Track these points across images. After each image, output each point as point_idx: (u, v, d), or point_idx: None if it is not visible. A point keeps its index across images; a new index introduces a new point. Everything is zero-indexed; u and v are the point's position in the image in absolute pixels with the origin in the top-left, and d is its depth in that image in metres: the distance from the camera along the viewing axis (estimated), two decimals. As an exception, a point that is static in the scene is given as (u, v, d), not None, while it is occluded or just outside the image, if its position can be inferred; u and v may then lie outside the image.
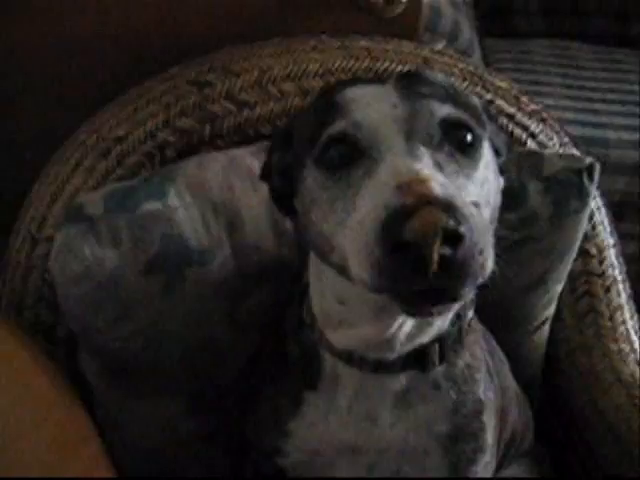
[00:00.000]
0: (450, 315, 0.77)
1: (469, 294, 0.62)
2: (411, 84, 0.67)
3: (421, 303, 0.60)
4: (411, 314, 0.64)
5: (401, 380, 0.79)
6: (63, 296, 0.90)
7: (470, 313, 0.83)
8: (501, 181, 0.74)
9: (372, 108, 0.65)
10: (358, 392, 0.80)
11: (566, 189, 1.01)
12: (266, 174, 0.79)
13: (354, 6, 1.09)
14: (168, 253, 0.90)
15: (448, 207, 0.55)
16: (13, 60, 1.06)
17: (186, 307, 0.93)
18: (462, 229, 0.55)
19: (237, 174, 0.95)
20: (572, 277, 1.15)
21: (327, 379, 0.81)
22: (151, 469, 1.04)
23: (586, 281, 1.16)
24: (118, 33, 1.05)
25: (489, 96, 1.08)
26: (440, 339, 0.77)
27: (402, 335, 0.75)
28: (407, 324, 0.74)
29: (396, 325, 0.73)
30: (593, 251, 1.15)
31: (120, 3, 1.04)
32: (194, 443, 1.05)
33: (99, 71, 1.08)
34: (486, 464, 0.86)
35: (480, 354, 0.86)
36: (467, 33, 1.48)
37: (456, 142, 0.65)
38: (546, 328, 1.16)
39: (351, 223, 0.61)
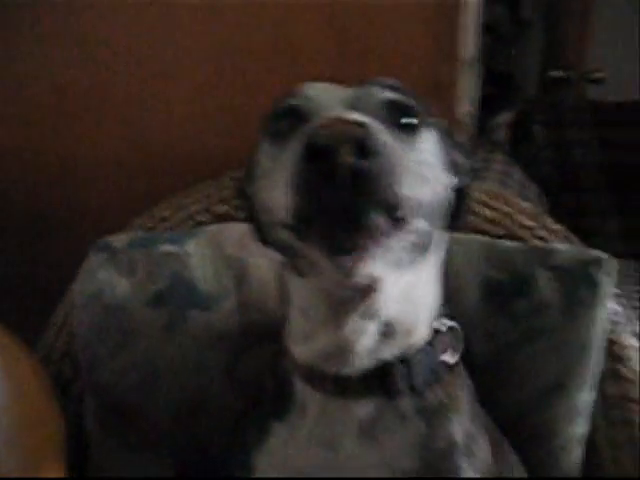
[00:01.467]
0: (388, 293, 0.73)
1: (384, 228, 0.62)
2: (367, 83, 0.72)
3: (336, 234, 0.62)
4: (332, 254, 0.64)
5: (366, 407, 0.75)
6: (78, 320, 0.98)
7: (453, 356, 0.80)
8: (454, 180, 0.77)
9: (323, 89, 0.71)
10: (320, 418, 0.76)
11: (575, 279, 1.00)
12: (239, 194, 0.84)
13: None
14: (175, 289, 0.98)
15: (363, 125, 0.60)
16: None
17: (184, 350, 0.97)
18: (372, 143, 0.58)
19: (253, 239, 1.04)
20: (607, 403, 1.07)
21: (295, 408, 0.79)
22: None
23: (622, 407, 1.07)
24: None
25: (508, 210, 1.14)
26: (406, 361, 0.75)
27: (361, 346, 0.73)
28: (366, 333, 0.73)
29: (354, 330, 0.72)
30: (628, 375, 1.08)
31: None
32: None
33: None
34: None
35: (460, 398, 0.80)
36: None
37: (397, 121, 0.68)
38: (574, 452, 1.04)
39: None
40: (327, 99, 0.69)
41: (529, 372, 1.02)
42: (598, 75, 2.53)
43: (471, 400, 0.83)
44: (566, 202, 2.19)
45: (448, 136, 0.79)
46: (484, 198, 1.15)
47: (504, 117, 2.52)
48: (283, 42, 1.30)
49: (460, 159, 0.79)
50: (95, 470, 1.02)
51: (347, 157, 0.58)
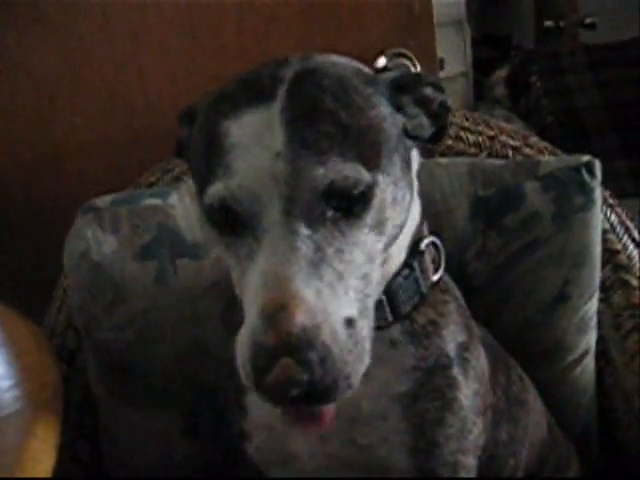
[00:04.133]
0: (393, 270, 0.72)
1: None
2: (300, 106, 0.60)
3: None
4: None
5: None
6: (70, 282, 0.98)
7: (438, 272, 0.78)
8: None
9: (252, 160, 0.59)
10: None
11: (566, 185, 0.98)
12: (178, 151, 0.77)
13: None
14: (162, 241, 0.98)
15: (305, 352, 0.55)
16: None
17: (177, 301, 0.97)
18: (316, 376, 0.55)
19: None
20: (615, 312, 1.05)
21: None
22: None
23: (631, 315, 1.04)
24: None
25: (491, 133, 1.13)
26: (388, 292, 0.72)
27: None
28: None
29: None
30: (634, 282, 1.05)
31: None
32: (192, 472, 0.99)
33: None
34: (461, 429, 0.74)
35: (450, 312, 0.78)
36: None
37: (340, 207, 0.60)
38: (589, 365, 1.02)
39: (247, 289, 0.61)
40: (260, 193, 0.59)
41: (529, 286, 1.00)
42: (590, 20, 2.49)
43: (462, 312, 0.81)
44: (571, 148, 2.15)
45: (416, 79, 0.71)
46: (466, 124, 1.14)
47: (501, 73, 2.49)
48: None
49: (432, 94, 0.70)
50: (104, 434, 1.02)
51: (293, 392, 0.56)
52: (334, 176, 0.58)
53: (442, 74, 2.11)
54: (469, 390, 0.76)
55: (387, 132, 0.64)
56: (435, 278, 0.77)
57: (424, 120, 0.70)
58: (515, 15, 3.07)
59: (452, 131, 1.12)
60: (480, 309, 0.90)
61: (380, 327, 0.72)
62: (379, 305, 0.71)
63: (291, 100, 0.60)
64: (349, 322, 0.59)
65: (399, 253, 0.72)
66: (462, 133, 1.12)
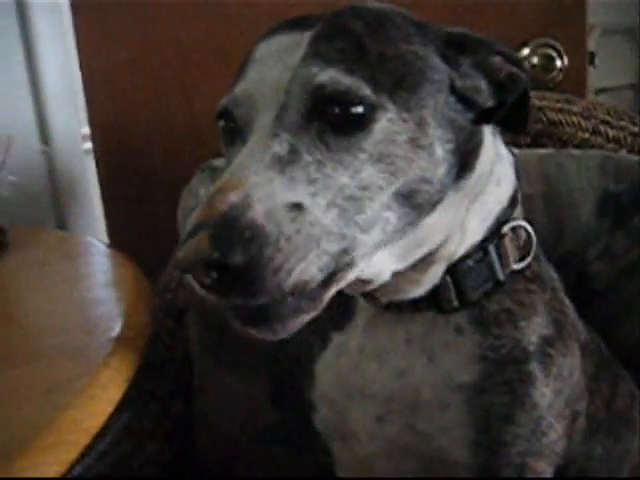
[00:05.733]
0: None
1: (305, 311, 0.56)
2: (330, 29, 0.60)
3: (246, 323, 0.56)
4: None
5: (417, 321, 0.70)
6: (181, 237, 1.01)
7: (525, 260, 0.70)
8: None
9: (265, 71, 0.60)
10: (368, 330, 0.72)
11: None
12: None
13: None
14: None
15: (222, 229, 0.51)
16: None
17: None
18: (231, 257, 0.50)
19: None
20: None
21: (352, 319, 0.75)
22: (223, 458, 0.99)
23: None
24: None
25: (636, 129, 1.03)
26: (455, 275, 0.68)
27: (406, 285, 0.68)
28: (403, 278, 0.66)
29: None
30: None
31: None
32: (271, 443, 0.99)
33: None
34: (534, 429, 0.68)
35: (534, 304, 0.70)
36: None
37: (334, 117, 0.57)
38: None
39: None
40: (258, 100, 0.59)
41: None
42: None
43: (554, 305, 0.73)
44: None
45: (480, 43, 0.65)
46: (607, 117, 1.05)
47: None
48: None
49: (501, 64, 0.64)
50: (198, 392, 1.04)
51: (206, 275, 0.51)
52: (327, 81, 0.56)
53: (609, 83, 1.99)
54: (548, 389, 0.69)
55: (418, 69, 0.60)
56: (518, 266, 0.70)
57: (483, 85, 0.64)
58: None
59: (590, 124, 1.04)
60: (598, 315, 0.83)
61: (443, 311, 0.68)
62: (443, 287, 0.67)
63: (325, 27, 0.60)
64: (296, 206, 0.53)
65: (466, 231, 0.67)
66: (602, 127, 1.03)
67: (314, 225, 0.54)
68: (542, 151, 0.98)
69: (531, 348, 0.69)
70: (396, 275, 0.64)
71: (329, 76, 0.56)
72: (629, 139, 1.02)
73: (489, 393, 0.67)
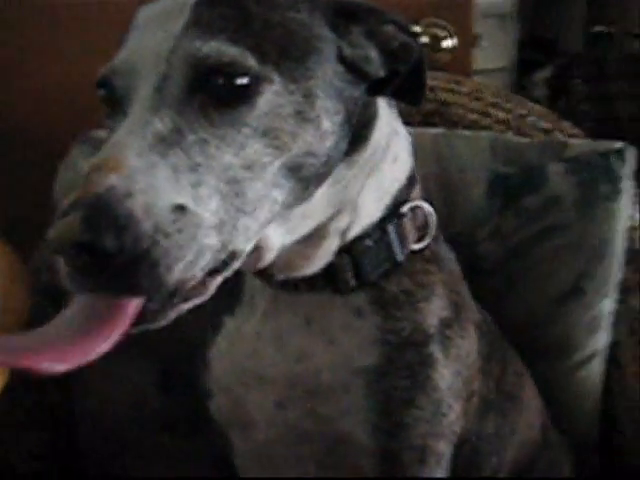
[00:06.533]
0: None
1: (189, 299, 0.53)
2: None
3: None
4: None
5: (314, 302, 0.68)
6: (57, 213, 0.93)
7: (424, 241, 0.70)
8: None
9: (146, 40, 0.56)
10: (267, 312, 0.70)
11: (592, 171, 0.91)
12: None
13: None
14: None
15: (97, 211, 0.47)
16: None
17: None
18: (103, 242, 0.46)
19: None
20: (632, 317, 0.97)
21: (245, 302, 0.72)
22: (109, 447, 0.94)
23: (648, 320, 0.97)
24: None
25: (522, 111, 1.06)
26: (352, 254, 0.66)
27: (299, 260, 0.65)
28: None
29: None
30: (656, 285, 0.98)
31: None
32: (159, 430, 0.94)
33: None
34: (434, 411, 0.68)
35: (433, 284, 0.70)
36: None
37: (217, 89, 0.54)
38: (596, 367, 0.95)
39: None
40: (138, 71, 0.55)
41: (543, 274, 0.93)
42: (640, 30, 2.41)
43: (452, 287, 0.73)
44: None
45: (371, 12, 0.62)
46: (496, 100, 1.07)
47: (543, 73, 2.42)
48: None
49: (393, 33, 0.63)
50: (77, 379, 0.97)
51: (76, 261, 0.47)
52: (210, 52, 0.53)
53: (483, 65, 2.05)
54: (448, 370, 0.69)
55: (304, 38, 0.58)
56: (416, 246, 0.69)
57: (373, 54, 0.62)
58: (564, 19, 2.98)
59: (479, 106, 1.05)
60: (486, 293, 0.84)
61: (341, 291, 0.67)
62: (339, 266, 0.66)
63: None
64: (179, 208, 0.50)
65: (359, 208, 0.65)
66: (490, 109, 1.05)
67: (196, 226, 0.51)
68: (434, 131, 0.98)
69: (431, 330, 0.68)
70: (287, 251, 0.62)
71: (212, 47, 0.54)
72: (516, 121, 1.04)
73: (390, 376, 0.67)
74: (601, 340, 0.95)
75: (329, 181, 0.61)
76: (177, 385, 0.94)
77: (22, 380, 0.99)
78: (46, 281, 1.03)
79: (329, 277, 0.66)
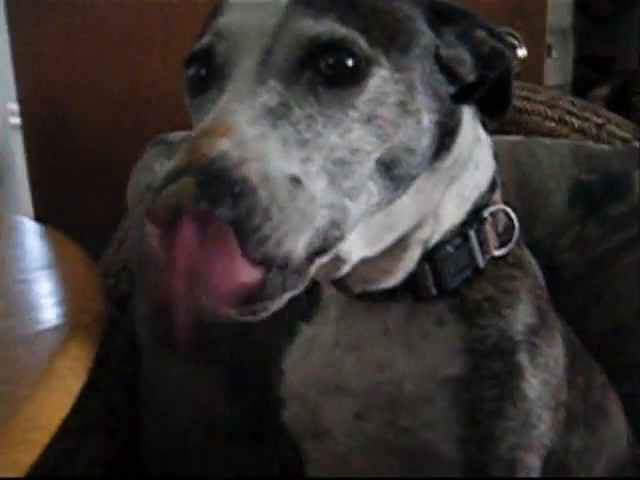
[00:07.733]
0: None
1: (290, 288, 0.50)
2: None
3: None
4: None
5: (394, 311, 0.66)
6: (132, 216, 0.93)
7: (507, 246, 0.67)
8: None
9: (246, 14, 0.55)
10: (343, 320, 0.68)
11: (680, 180, 0.88)
12: None
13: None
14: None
15: (210, 181, 0.45)
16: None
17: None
18: (220, 211, 0.44)
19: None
20: None
21: (321, 309, 0.70)
22: (172, 454, 0.92)
23: None
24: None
25: (599, 120, 1.03)
26: (432, 262, 0.64)
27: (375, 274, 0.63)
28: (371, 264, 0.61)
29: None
30: None
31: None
32: (225, 439, 0.93)
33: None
34: (523, 422, 0.64)
35: (518, 290, 0.67)
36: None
37: (327, 68, 0.52)
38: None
39: None
40: (243, 39, 0.54)
41: (626, 287, 0.90)
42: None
43: (537, 292, 0.70)
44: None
45: (463, 14, 0.61)
46: (573, 108, 1.04)
47: (600, 91, 2.37)
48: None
49: (485, 38, 0.61)
50: (144, 384, 0.97)
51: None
52: (323, 31, 0.52)
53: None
54: (536, 380, 0.66)
55: (408, 29, 0.57)
56: (498, 253, 0.67)
57: (466, 57, 0.60)
58: (621, 36, 2.94)
59: (556, 114, 1.03)
60: (567, 306, 0.81)
61: (421, 300, 0.64)
62: (420, 274, 0.63)
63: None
64: (294, 180, 0.48)
65: (440, 217, 0.63)
66: (567, 117, 1.02)
67: (310, 201, 0.49)
68: (513, 138, 0.96)
69: (518, 338, 0.65)
70: (367, 264, 0.60)
71: (324, 26, 0.52)
72: (594, 130, 1.01)
73: (476, 386, 0.64)
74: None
75: (412, 190, 0.59)
76: (247, 393, 0.92)
77: (90, 384, 0.99)
78: (111, 285, 1.04)
79: (409, 286, 0.64)
